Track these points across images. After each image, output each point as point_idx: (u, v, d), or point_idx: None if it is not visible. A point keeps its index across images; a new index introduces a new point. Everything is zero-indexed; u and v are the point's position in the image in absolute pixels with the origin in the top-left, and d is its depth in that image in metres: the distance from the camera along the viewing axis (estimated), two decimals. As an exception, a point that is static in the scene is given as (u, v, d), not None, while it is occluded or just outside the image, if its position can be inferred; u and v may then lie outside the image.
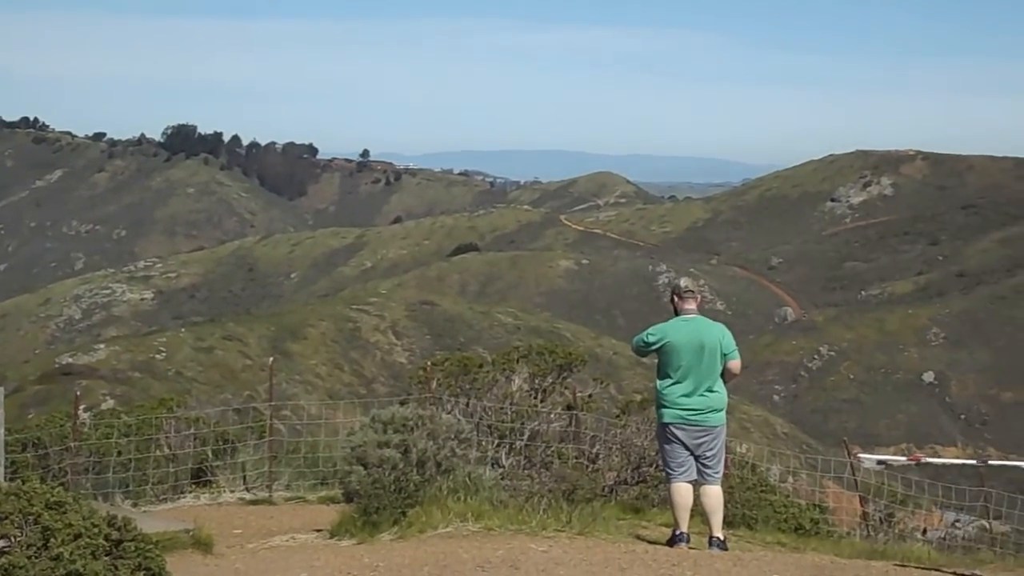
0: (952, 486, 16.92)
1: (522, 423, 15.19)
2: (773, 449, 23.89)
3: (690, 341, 10.76)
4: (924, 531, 16.45)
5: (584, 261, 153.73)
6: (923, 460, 11.22)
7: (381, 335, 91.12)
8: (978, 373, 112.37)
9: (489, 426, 15.16)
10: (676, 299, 11.08)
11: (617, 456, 15.48)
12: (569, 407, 15.77)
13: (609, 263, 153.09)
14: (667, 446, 10.95)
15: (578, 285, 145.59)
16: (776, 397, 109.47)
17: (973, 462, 12.14)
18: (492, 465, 14.45)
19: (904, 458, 11.63)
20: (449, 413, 14.39)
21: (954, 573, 9.80)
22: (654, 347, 10.87)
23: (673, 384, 10.79)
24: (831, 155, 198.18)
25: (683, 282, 11.29)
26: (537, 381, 16.18)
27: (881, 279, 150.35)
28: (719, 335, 10.88)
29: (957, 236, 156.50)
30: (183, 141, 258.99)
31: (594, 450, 15.39)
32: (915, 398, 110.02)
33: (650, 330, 11.08)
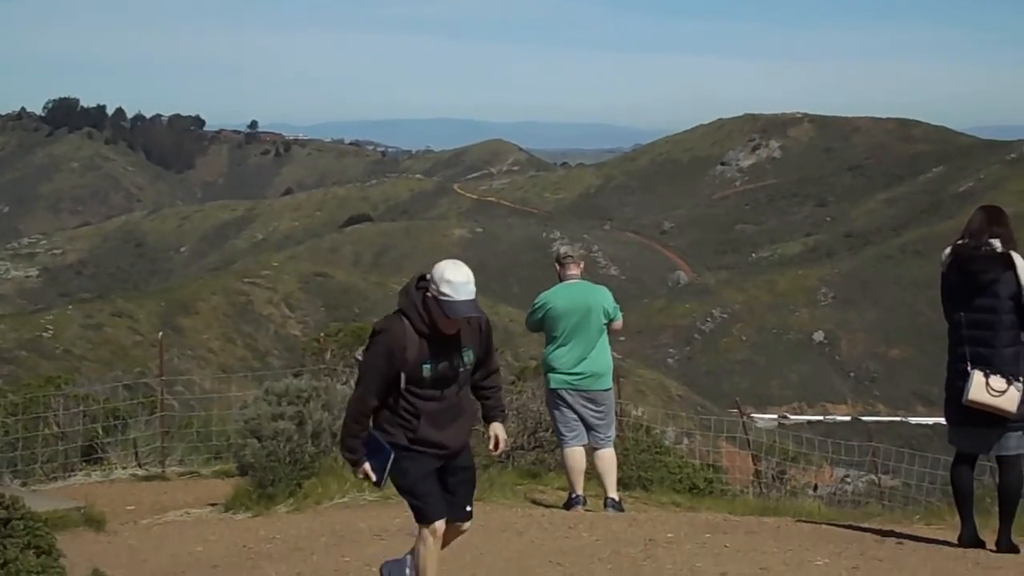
0: (842, 442, 17.21)
1: (417, 391, 15.12)
2: (668, 411, 24.16)
3: (573, 306, 10.81)
4: (815, 487, 16.72)
5: (478, 229, 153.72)
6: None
7: (274, 308, 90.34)
8: (866, 332, 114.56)
9: (385, 395, 15.08)
10: (559, 266, 11.13)
11: (513, 422, 15.48)
12: (464, 374, 15.73)
13: (503, 231, 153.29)
14: (556, 411, 11.01)
15: (473, 253, 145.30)
16: (670, 360, 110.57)
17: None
18: (388, 434, 14.39)
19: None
20: (344, 384, 14.31)
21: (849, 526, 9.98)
22: (539, 316, 10.92)
23: (557, 349, 10.85)
24: (720, 119, 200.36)
25: (563, 249, 11.37)
26: (432, 349, 16.12)
27: (771, 241, 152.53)
28: (601, 298, 10.95)
29: (844, 197, 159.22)
30: (65, 115, 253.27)
31: (490, 416, 15.37)
32: (806, 357, 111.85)
33: (535, 300, 11.13)
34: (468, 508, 6.92)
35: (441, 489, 6.78)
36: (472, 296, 6.51)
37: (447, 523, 6.81)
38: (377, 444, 6.64)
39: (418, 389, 6.56)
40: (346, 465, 11.65)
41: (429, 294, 6.51)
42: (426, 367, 6.53)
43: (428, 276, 6.56)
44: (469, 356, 6.70)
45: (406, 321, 6.54)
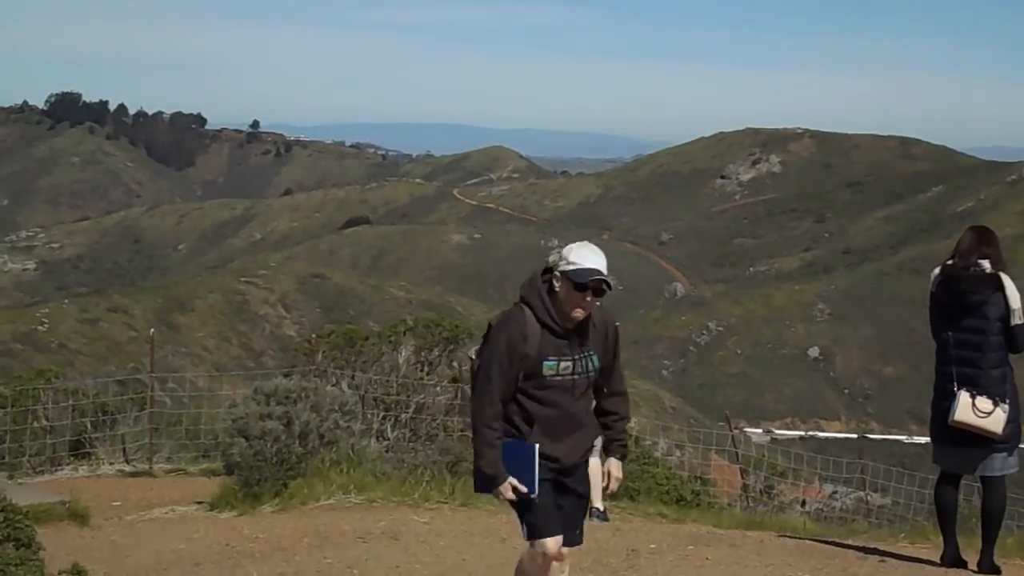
0: (831, 459, 17.24)
1: (408, 396, 15.15)
2: (661, 423, 24.15)
3: None
4: (803, 502, 16.75)
5: (476, 235, 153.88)
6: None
7: (270, 308, 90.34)
8: (862, 348, 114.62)
9: (375, 399, 15.09)
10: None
11: (502, 429, 15.49)
12: (455, 380, 15.77)
13: (501, 238, 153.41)
14: None
15: (470, 259, 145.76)
16: (665, 372, 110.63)
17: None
18: (377, 437, 14.41)
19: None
20: (334, 386, 14.31)
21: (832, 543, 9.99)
22: None
23: None
24: (721, 132, 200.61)
25: (552, 258, 11.35)
26: (423, 354, 16.12)
27: (769, 255, 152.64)
28: None
29: (843, 213, 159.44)
30: (67, 109, 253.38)
31: (479, 422, 15.37)
32: (801, 372, 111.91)
33: None
34: (578, 531, 6.16)
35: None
36: (602, 266, 5.91)
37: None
38: (514, 449, 5.86)
39: (535, 391, 5.89)
40: (333, 466, 11.76)
41: (556, 272, 5.94)
42: (548, 364, 5.87)
43: (553, 265, 6.02)
44: (594, 361, 6.00)
45: (527, 310, 5.93)
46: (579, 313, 5.90)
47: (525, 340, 5.84)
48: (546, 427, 5.89)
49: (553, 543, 5.93)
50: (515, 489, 5.85)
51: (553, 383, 5.89)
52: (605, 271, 5.92)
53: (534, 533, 5.95)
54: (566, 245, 6.08)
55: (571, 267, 5.89)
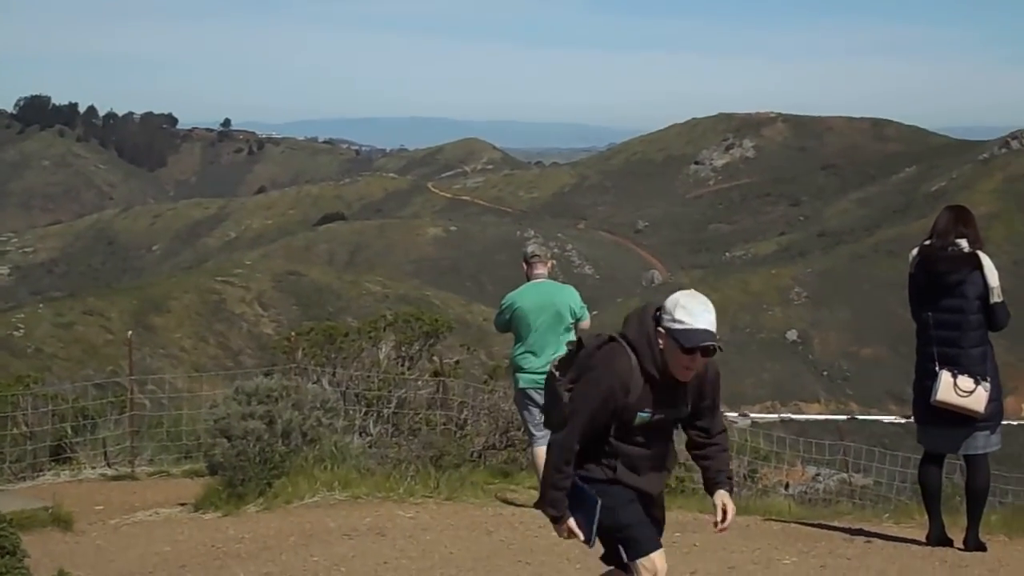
0: (813, 441, 17.28)
1: (389, 391, 15.14)
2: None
3: (540, 305, 10.84)
4: (786, 485, 16.77)
5: (452, 228, 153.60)
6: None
7: (247, 306, 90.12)
8: (839, 331, 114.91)
9: (356, 395, 15.08)
10: (526, 266, 11.16)
11: (485, 421, 15.52)
12: (436, 374, 15.76)
13: (477, 230, 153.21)
14: (525, 411, 11.01)
15: (447, 252, 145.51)
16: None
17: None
18: (360, 434, 14.39)
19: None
20: (315, 383, 14.29)
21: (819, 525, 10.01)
22: (507, 316, 10.94)
23: (525, 349, 10.86)
24: (694, 119, 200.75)
25: (530, 248, 11.36)
26: (404, 349, 16.12)
27: (745, 240, 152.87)
28: (568, 297, 10.97)
29: (817, 197, 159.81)
30: (37, 112, 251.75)
31: (462, 416, 15.40)
32: (779, 356, 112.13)
33: (502, 301, 11.16)
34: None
35: None
36: (712, 325, 5.53)
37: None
38: (581, 493, 5.66)
39: (624, 434, 5.63)
40: (317, 464, 11.73)
41: (660, 328, 5.51)
42: (642, 415, 5.57)
43: (662, 307, 5.58)
44: (686, 409, 5.73)
45: (634, 358, 5.54)
46: (685, 374, 5.56)
47: (628, 392, 5.51)
48: (631, 464, 5.65)
49: (660, 557, 5.64)
50: (570, 531, 5.68)
51: (645, 433, 5.64)
52: (714, 328, 5.54)
53: (639, 551, 5.64)
54: (671, 296, 5.66)
55: (678, 326, 5.48)
